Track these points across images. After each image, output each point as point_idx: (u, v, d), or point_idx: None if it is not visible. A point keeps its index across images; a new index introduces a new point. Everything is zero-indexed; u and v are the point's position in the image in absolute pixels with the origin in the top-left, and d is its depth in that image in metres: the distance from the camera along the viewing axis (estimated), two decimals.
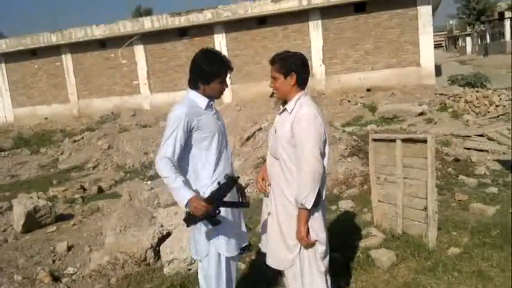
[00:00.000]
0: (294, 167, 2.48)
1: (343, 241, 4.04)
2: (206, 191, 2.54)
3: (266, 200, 2.72)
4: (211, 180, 2.58)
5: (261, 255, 2.74)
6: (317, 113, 2.49)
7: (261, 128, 9.04)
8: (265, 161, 2.81)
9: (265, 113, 10.97)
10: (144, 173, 9.62)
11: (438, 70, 19.85)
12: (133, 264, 4.16)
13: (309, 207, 2.42)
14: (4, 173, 11.39)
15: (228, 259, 2.68)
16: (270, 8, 17.32)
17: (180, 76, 18.33)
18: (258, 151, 7.95)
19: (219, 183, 2.50)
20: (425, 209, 3.87)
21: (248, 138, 8.98)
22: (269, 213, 2.66)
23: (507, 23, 40.32)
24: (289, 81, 2.53)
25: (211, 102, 2.65)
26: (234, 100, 16.79)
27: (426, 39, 16.41)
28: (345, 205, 5.28)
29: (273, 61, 2.58)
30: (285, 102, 2.61)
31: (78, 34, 19.90)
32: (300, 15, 17.26)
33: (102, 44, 20.01)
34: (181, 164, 2.56)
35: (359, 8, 16.82)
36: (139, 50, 19.48)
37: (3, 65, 21.60)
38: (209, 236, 2.62)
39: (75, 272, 4.46)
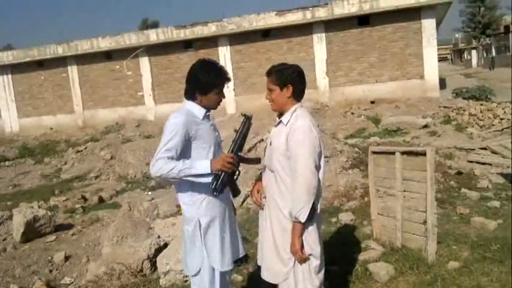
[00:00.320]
0: (289, 179, 2.46)
1: (342, 254, 4.01)
2: (203, 202, 2.51)
3: (261, 213, 2.69)
4: (207, 192, 2.49)
5: (258, 268, 2.70)
6: (312, 125, 2.47)
7: (262, 140, 9.01)
8: None
9: (268, 125, 10.94)
10: (146, 184, 9.60)
11: (443, 83, 19.82)
12: (130, 275, 4.13)
13: (303, 220, 2.39)
14: (7, 183, 11.43)
15: (222, 273, 2.59)
16: (274, 21, 17.46)
17: (184, 87, 18.38)
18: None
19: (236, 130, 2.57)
20: (425, 222, 3.82)
21: (250, 150, 8.96)
22: (264, 226, 2.63)
23: None
24: (285, 93, 2.52)
25: (208, 113, 2.62)
26: (238, 111, 16.83)
27: (430, 52, 16.44)
28: (345, 217, 5.24)
29: (269, 73, 2.58)
30: (281, 114, 2.59)
31: (84, 46, 20.15)
32: (304, 28, 17.37)
33: (108, 55, 20.22)
34: None
35: (363, 21, 16.90)
36: (144, 62, 19.65)
37: (9, 76, 21.85)
38: (202, 249, 2.52)
39: (72, 282, 4.45)
